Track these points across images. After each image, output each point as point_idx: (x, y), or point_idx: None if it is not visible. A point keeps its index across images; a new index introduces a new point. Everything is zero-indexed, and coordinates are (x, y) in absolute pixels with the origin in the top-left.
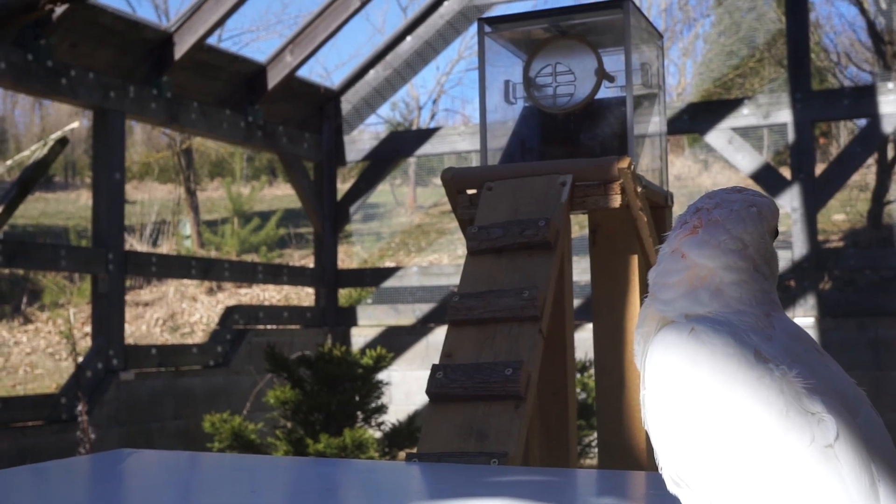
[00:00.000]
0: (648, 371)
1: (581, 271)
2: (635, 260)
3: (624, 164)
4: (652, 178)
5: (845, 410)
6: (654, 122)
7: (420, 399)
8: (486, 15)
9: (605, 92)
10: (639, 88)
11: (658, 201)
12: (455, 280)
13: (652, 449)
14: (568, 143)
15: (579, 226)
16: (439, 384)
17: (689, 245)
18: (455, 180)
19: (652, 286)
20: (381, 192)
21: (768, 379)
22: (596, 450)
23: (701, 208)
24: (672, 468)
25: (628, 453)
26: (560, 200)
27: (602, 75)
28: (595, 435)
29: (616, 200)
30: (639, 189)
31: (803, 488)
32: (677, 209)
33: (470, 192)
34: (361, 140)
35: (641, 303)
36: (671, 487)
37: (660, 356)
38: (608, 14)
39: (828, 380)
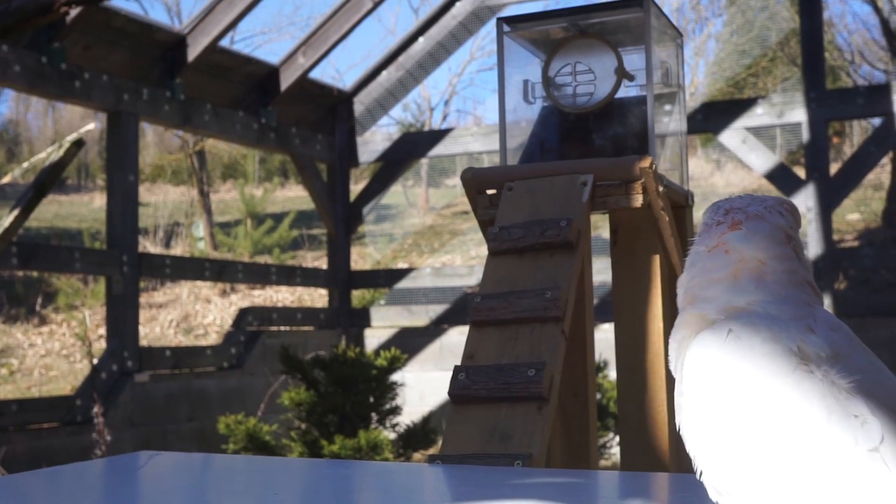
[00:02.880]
0: (686, 376)
1: (595, 271)
2: (657, 259)
3: (645, 163)
4: (672, 177)
5: (891, 410)
6: (674, 121)
7: (433, 400)
8: (498, 15)
9: (625, 91)
10: (658, 87)
11: (679, 201)
12: (468, 281)
13: (675, 449)
14: (588, 142)
15: (593, 226)
16: (461, 385)
17: (735, 240)
18: (475, 180)
19: (687, 290)
20: (394, 194)
21: (808, 383)
22: (611, 451)
23: (732, 209)
24: (712, 477)
25: (650, 454)
26: (581, 200)
27: (622, 74)
28: (610, 436)
29: (637, 200)
30: (660, 188)
31: (848, 494)
32: (697, 209)
33: (489, 192)
34: (374, 141)
35: (664, 302)
36: (713, 496)
37: (698, 361)
38: (628, 12)
39: (872, 376)
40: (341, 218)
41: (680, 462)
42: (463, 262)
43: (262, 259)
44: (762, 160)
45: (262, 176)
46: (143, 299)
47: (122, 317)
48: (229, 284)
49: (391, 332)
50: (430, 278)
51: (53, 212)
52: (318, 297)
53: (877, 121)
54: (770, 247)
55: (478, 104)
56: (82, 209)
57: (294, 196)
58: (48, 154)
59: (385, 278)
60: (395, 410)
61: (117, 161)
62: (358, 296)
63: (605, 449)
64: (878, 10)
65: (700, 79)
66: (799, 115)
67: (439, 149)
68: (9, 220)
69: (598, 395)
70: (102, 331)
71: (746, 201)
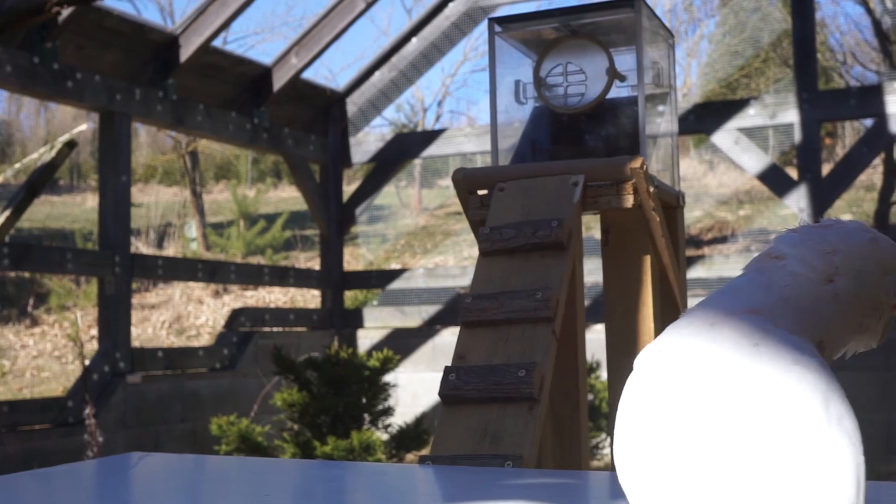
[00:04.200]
0: None
1: (586, 272)
2: (648, 260)
3: (636, 163)
4: (663, 178)
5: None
6: (665, 122)
7: (426, 401)
8: (492, 16)
9: (617, 91)
10: (650, 88)
11: (670, 201)
12: (461, 282)
13: None
14: (579, 142)
15: (585, 227)
16: (452, 386)
17: (784, 234)
18: (466, 181)
19: None
20: (387, 194)
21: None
22: (603, 451)
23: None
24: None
25: None
26: (572, 201)
27: (613, 75)
28: (602, 436)
29: (629, 200)
30: (651, 189)
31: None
32: (688, 210)
33: (481, 192)
34: (367, 142)
35: (655, 302)
36: None
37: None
38: (619, 13)
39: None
40: (334, 219)
41: None
42: (456, 262)
43: (255, 260)
44: (754, 161)
45: (254, 176)
46: (135, 300)
47: (114, 318)
48: (222, 285)
49: (384, 332)
50: (422, 279)
51: (45, 212)
52: (310, 298)
53: (869, 122)
54: (801, 250)
55: (471, 105)
56: (74, 210)
57: (287, 197)
58: (40, 154)
59: (378, 279)
60: (388, 411)
61: (110, 161)
62: (351, 296)
63: (596, 449)
64: (870, 12)
65: (693, 80)
66: (791, 115)
67: (432, 149)
68: (0, 220)
69: (590, 396)
70: (94, 332)
71: (831, 220)
